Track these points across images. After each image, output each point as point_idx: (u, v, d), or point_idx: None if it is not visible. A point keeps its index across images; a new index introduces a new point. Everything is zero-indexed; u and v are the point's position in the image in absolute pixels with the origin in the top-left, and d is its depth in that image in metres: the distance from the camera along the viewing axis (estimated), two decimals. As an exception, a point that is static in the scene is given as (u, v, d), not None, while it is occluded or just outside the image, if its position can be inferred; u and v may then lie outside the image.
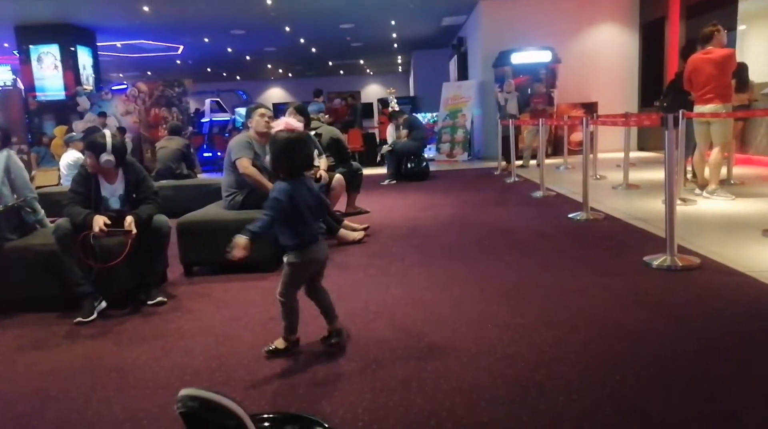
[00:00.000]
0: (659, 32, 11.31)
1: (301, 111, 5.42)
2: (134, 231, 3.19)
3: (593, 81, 12.01)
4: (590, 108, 11.18)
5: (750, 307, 2.75)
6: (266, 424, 1.73)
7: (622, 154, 7.33)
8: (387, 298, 3.20)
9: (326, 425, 1.70)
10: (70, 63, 12.49)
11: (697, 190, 5.90)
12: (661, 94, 7.71)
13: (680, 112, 5.13)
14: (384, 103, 11.77)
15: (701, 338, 2.41)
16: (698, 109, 5.73)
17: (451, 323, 2.74)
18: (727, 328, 2.50)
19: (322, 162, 5.24)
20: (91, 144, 3.34)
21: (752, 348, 2.30)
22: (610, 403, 1.90)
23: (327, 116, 11.77)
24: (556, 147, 11.36)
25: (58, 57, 12.46)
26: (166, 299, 3.43)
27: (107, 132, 3.42)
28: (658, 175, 5.41)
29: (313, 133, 5.60)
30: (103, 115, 11.38)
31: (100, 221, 3.16)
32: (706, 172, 5.89)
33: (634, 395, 1.95)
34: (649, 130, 10.85)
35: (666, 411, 1.84)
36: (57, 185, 7.51)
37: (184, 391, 1.57)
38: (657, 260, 3.50)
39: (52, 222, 3.90)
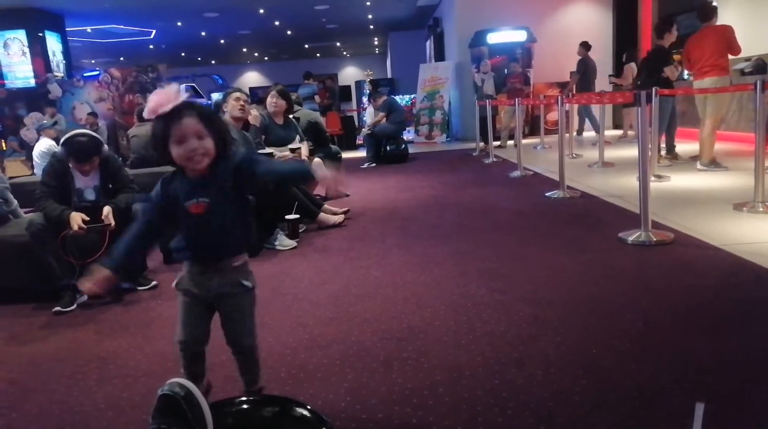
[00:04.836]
0: (632, 10, 11.37)
1: (284, 95, 5.34)
2: (112, 223, 3.13)
3: (568, 59, 12.01)
4: (566, 87, 11.24)
5: (722, 279, 2.82)
6: (247, 406, 1.74)
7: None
8: (368, 280, 3.22)
9: (308, 407, 1.71)
10: (38, 49, 12.14)
11: (699, 165, 5.99)
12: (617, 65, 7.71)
13: (653, 89, 5.20)
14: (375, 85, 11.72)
15: (675, 310, 2.47)
16: (698, 84, 5.83)
17: (431, 303, 2.77)
18: (700, 299, 2.57)
19: (303, 147, 5.21)
20: (84, 146, 3.16)
21: (725, 319, 2.36)
22: (587, 377, 1.95)
23: (318, 98, 11.71)
24: (533, 127, 11.42)
25: (26, 43, 12.10)
26: (156, 282, 3.43)
27: (84, 130, 3.34)
28: (633, 152, 5.48)
29: (291, 116, 5.55)
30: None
31: (78, 219, 3.09)
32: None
33: (611, 368, 2.00)
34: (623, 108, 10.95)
35: (642, 382, 1.88)
36: (31, 175, 7.39)
37: (175, 379, 1.58)
38: (632, 236, 3.56)
39: (26, 213, 3.83)
